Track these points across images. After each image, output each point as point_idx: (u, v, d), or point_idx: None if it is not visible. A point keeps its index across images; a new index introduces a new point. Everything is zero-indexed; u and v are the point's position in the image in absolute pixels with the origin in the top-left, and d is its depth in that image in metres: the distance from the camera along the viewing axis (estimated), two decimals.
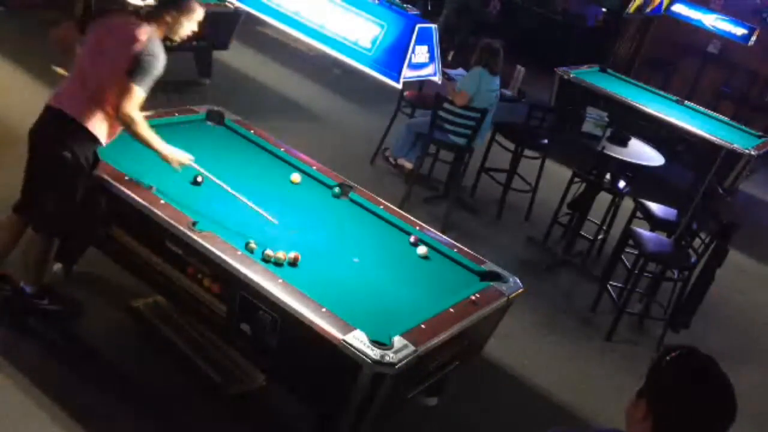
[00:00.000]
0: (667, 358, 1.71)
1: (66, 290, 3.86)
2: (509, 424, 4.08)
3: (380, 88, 4.55)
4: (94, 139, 3.40)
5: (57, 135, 3.37)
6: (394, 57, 3.86)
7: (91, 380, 3.46)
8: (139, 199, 3.35)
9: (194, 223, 3.25)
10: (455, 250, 3.83)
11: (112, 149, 3.63)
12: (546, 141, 6.41)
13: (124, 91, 3.31)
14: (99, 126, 3.38)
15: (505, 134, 6.47)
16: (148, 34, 3.39)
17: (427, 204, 6.16)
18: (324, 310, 2.93)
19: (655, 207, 5.73)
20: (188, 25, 3.60)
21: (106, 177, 3.46)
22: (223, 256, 3.10)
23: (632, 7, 7.63)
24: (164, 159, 3.50)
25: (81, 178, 3.42)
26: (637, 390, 1.73)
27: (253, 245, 3.25)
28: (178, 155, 3.52)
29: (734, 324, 5.85)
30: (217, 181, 3.57)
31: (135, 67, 3.32)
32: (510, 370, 4.42)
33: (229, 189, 3.54)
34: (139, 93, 3.33)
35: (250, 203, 3.52)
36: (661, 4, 8.59)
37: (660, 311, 5.36)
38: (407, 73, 3.87)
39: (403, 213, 4.13)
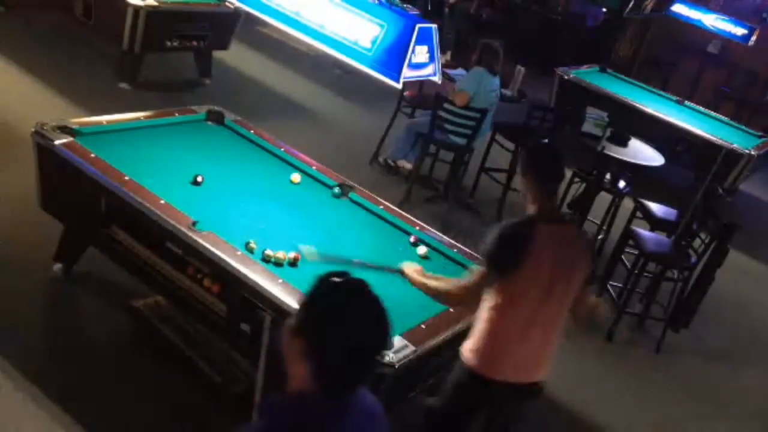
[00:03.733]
0: (319, 289, 1.64)
1: (66, 290, 3.87)
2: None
3: (380, 88, 4.55)
4: None
5: None
6: (393, 57, 3.85)
7: (91, 380, 3.46)
8: (140, 199, 3.35)
9: (194, 223, 3.25)
10: (455, 250, 3.83)
11: (111, 149, 3.63)
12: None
13: None
14: None
15: (505, 134, 6.47)
16: None
17: (427, 204, 6.16)
18: None
19: (655, 207, 5.73)
20: None
21: (106, 177, 3.46)
22: (223, 256, 3.10)
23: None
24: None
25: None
26: (291, 328, 1.62)
27: (253, 245, 3.25)
28: None
29: (734, 324, 5.85)
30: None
31: None
32: None
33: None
34: None
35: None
36: None
37: (660, 311, 5.36)
38: (407, 73, 3.87)
39: (403, 213, 4.13)
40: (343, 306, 1.59)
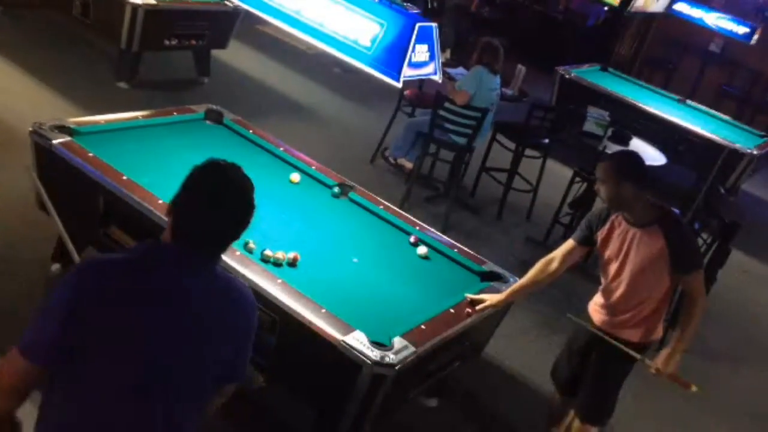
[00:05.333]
0: (196, 168, 1.91)
1: None
2: (509, 424, 4.07)
3: (380, 87, 4.53)
4: None
5: None
6: (394, 56, 3.84)
7: None
8: (138, 199, 3.33)
9: None
10: (455, 250, 3.81)
11: (109, 148, 3.61)
12: (547, 140, 6.39)
13: None
14: None
15: (505, 133, 6.45)
16: None
17: (427, 204, 6.14)
18: (323, 310, 2.91)
19: None
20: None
21: (104, 176, 3.44)
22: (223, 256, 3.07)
23: None
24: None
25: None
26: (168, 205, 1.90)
27: (252, 245, 3.23)
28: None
29: (735, 324, 5.83)
30: None
31: None
32: (510, 370, 4.40)
33: None
34: None
35: None
36: None
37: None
38: (407, 72, 3.85)
39: (403, 213, 4.11)
40: (201, 179, 1.89)
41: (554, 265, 3.41)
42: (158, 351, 1.78)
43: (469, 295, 3.35)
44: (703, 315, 3.23)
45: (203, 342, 1.85)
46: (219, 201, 1.86)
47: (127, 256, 1.87)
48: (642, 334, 3.32)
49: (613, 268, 3.30)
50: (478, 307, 3.31)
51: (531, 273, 3.44)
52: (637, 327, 3.30)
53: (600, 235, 3.32)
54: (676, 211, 3.35)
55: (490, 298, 3.36)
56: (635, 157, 3.37)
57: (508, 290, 3.45)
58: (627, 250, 3.22)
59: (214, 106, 4.55)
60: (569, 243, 3.45)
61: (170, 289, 1.81)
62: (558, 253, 3.44)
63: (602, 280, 3.42)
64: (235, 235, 1.92)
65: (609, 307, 3.35)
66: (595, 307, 3.46)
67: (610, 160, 3.32)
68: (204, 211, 1.85)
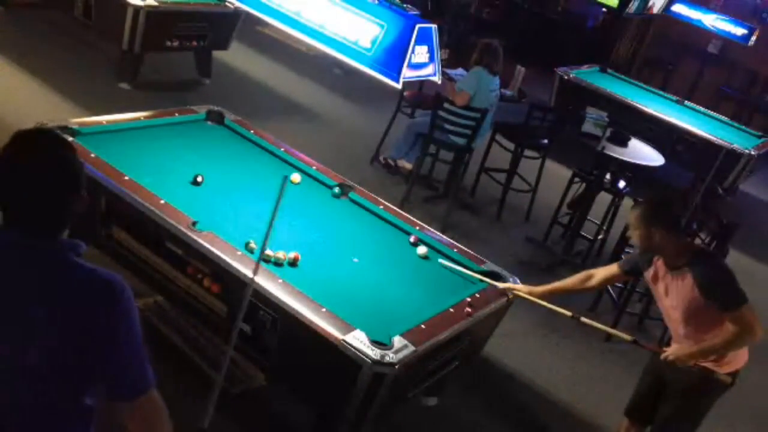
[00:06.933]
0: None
1: None
2: (509, 424, 4.08)
3: (380, 88, 4.55)
4: None
5: None
6: (393, 57, 3.85)
7: None
8: (139, 199, 3.35)
9: (194, 223, 3.26)
10: (455, 250, 3.83)
11: (111, 149, 3.63)
12: (546, 141, 6.41)
13: None
14: None
15: (505, 134, 6.47)
16: None
17: (427, 204, 6.16)
18: (324, 310, 2.93)
19: None
20: None
21: (106, 177, 3.46)
22: (223, 256, 3.10)
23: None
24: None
25: None
26: None
27: (253, 245, 3.25)
28: None
29: None
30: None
31: None
32: (510, 370, 4.42)
33: None
34: None
35: None
36: None
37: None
38: (407, 73, 3.87)
39: (403, 213, 4.13)
40: (8, 154, 1.67)
41: (592, 282, 3.54)
42: None
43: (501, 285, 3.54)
44: (734, 347, 3.17)
45: (28, 342, 1.60)
46: (15, 162, 1.66)
47: None
48: (713, 362, 3.24)
49: (666, 308, 3.33)
50: (516, 292, 3.51)
51: (569, 281, 3.60)
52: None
53: (647, 275, 3.37)
54: (708, 250, 3.35)
55: (523, 288, 3.53)
56: (664, 203, 3.37)
57: (544, 287, 3.57)
58: (670, 294, 3.26)
59: (216, 107, 4.58)
60: (614, 268, 3.50)
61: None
62: (600, 274, 3.53)
63: (665, 317, 3.44)
64: (53, 207, 1.68)
65: (680, 341, 3.32)
66: (673, 343, 3.40)
67: (639, 207, 3.31)
68: (8, 192, 1.66)
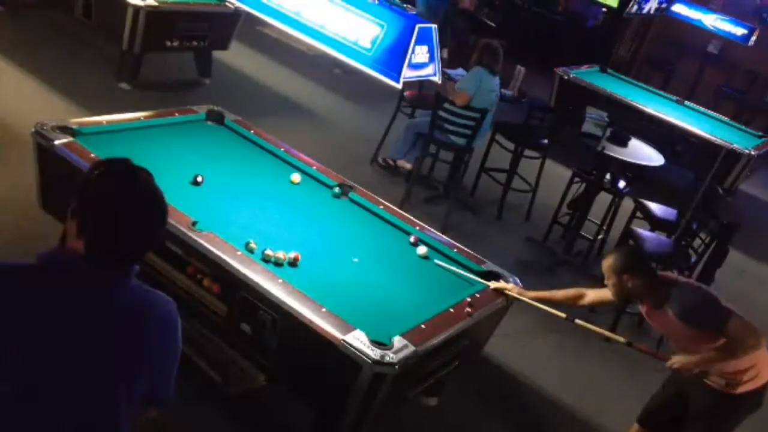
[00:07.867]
0: (96, 171, 1.75)
1: None
2: (509, 424, 4.08)
3: (380, 88, 4.55)
4: None
5: None
6: (394, 57, 3.86)
7: None
8: None
9: (194, 223, 3.26)
10: (455, 250, 3.83)
11: (111, 149, 3.62)
12: (546, 141, 6.41)
13: None
14: None
15: (505, 134, 6.47)
16: None
17: (427, 204, 6.16)
18: (324, 310, 2.93)
19: (655, 207, 5.73)
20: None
21: None
22: (223, 256, 3.10)
23: None
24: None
25: None
26: (70, 210, 1.74)
27: (253, 245, 3.25)
28: None
29: None
30: None
31: None
32: (510, 370, 4.42)
33: None
34: None
35: None
36: None
37: None
38: (407, 73, 3.88)
39: (403, 213, 4.13)
40: (111, 192, 1.72)
41: (583, 302, 3.58)
42: (44, 362, 1.63)
43: (494, 284, 3.54)
44: (732, 357, 3.14)
45: (104, 357, 1.69)
46: (129, 221, 1.71)
47: (30, 264, 1.70)
48: (726, 383, 3.25)
49: (665, 336, 3.43)
50: (506, 292, 3.51)
51: (560, 294, 3.61)
52: (719, 376, 3.26)
53: (641, 309, 3.41)
54: (681, 279, 3.37)
55: (514, 288, 3.53)
56: (632, 252, 3.47)
57: (535, 293, 3.57)
58: (662, 327, 3.36)
59: (216, 107, 4.58)
60: (606, 293, 3.48)
61: (72, 300, 1.66)
62: (592, 295, 3.56)
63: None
64: (145, 250, 1.77)
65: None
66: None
67: (609, 257, 3.36)
68: (112, 230, 1.70)
